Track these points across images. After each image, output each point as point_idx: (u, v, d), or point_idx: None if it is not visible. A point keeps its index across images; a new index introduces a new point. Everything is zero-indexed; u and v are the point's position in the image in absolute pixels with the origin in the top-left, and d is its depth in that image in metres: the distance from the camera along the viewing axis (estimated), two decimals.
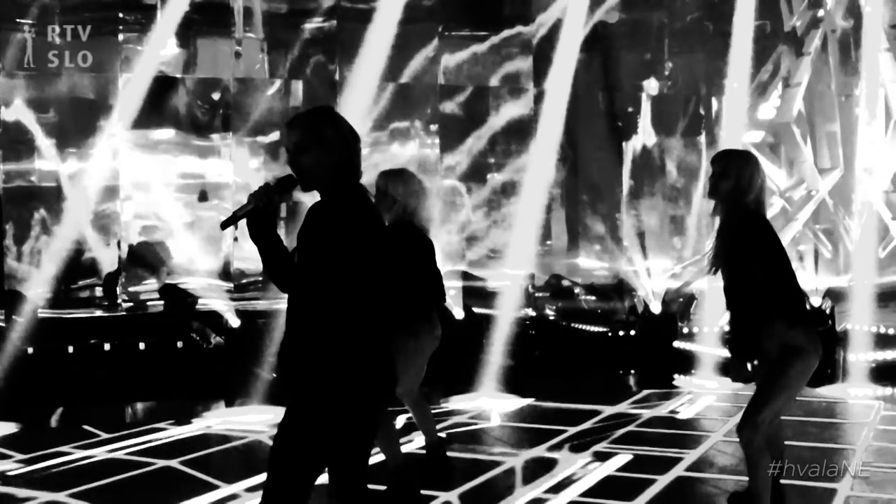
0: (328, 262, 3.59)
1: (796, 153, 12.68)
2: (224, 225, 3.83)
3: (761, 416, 4.81)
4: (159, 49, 12.03)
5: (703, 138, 13.65)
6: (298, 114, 3.88)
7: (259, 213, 3.75)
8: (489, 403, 9.18)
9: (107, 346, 10.78)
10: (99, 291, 12.28)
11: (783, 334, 4.82)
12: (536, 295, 12.96)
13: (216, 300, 11.65)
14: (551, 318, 12.76)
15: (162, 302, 12.03)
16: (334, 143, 3.70)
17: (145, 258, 12.25)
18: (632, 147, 13.46)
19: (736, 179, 4.95)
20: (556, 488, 6.29)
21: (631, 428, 8.12)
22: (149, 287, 12.21)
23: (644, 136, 13.50)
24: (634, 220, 13.27)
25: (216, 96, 12.61)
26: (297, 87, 12.86)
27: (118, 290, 12.00)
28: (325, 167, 3.69)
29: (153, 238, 12.43)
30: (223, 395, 9.76)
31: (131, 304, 11.98)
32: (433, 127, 12.84)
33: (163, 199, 12.24)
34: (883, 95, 12.31)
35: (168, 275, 12.20)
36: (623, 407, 8.96)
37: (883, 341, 10.92)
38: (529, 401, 9.27)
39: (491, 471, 6.70)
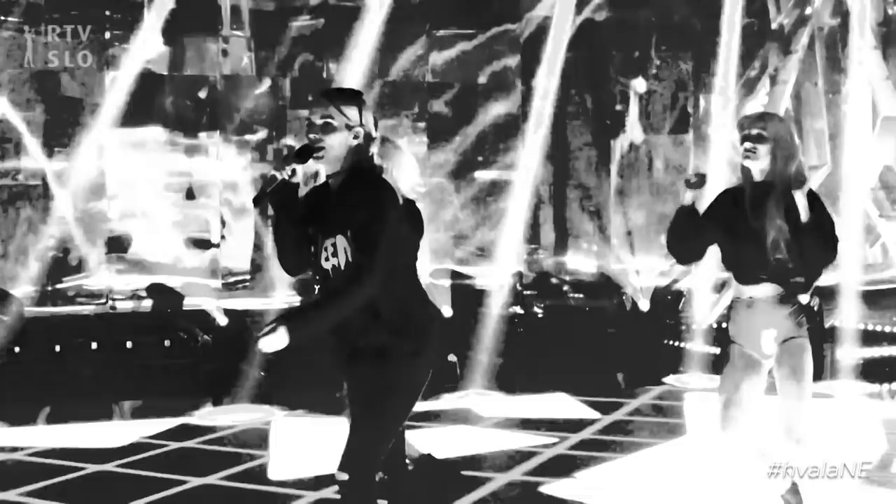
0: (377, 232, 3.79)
1: None
2: (256, 201, 3.94)
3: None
4: (146, 46, 11.97)
5: (690, 136, 13.65)
6: (332, 88, 4.15)
7: (285, 183, 3.89)
8: (477, 401, 9.17)
9: (94, 345, 10.73)
10: (86, 289, 12.19)
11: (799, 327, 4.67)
12: (524, 293, 12.94)
13: (204, 298, 11.61)
14: (539, 315, 12.75)
15: (149, 300, 11.97)
16: (358, 126, 3.92)
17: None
18: (619, 145, 13.44)
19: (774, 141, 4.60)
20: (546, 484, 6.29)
21: (619, 425, 8.12)
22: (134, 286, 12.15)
23: (632, 133, 13.49)
24: (622, 217, 13.26)
25: (203, 94, 12.55)
26: (285, 84, 12.82)
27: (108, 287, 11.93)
28: (345, 147, 3.91)
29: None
30: (211, 393, 9.73)
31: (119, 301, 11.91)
32: (421, 124, 12.82)
33: (149, 197, 12.18)
34: (870, 93, 12.33)
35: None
36: (611, 404, 8.96)
37: (870, 338, 10.95)
38: (518, 398, 9.27)
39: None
